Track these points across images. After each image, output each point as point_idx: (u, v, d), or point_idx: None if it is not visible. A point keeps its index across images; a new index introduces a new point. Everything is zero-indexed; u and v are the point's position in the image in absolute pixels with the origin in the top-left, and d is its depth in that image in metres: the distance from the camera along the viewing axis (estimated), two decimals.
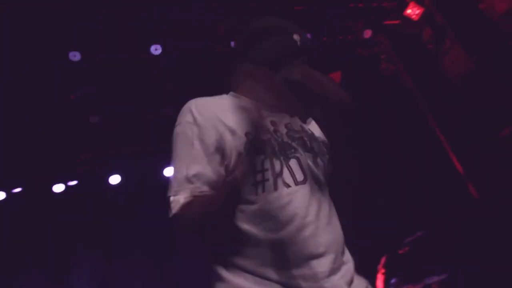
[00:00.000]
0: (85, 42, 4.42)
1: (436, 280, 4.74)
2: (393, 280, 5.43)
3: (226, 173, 1.26)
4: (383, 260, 5.80)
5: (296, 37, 1.41)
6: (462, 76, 5.11)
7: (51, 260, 5.77)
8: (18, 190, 5.68)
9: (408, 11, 5.32)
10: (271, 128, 1.34)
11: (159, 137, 2.98)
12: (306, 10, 5.03)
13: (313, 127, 1.48)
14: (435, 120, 5.55)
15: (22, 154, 5.18)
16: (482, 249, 4.41)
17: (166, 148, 1.37)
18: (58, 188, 5.79)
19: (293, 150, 1.32)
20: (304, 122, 1.46)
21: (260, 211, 1.23)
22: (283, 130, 1.36)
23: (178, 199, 1.21)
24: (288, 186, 1.27)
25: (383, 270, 5.75)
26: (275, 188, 1.25)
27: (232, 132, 1.28)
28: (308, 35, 5.08)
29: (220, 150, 1.27)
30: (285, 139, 1.33)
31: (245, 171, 1.21)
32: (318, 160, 1.38)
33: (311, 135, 1.43)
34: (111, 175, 5.94)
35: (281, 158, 1.30)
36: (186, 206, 1.20)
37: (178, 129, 1.32)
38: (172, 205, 1.23)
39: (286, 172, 1.29)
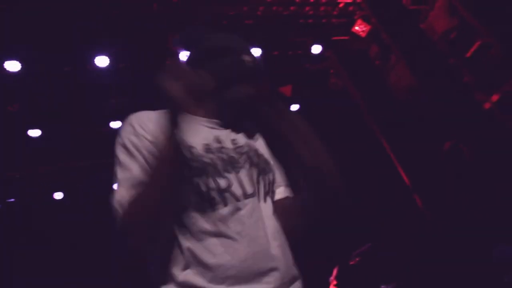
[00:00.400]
0: (24, 51, 4.18)
1: None
2: None
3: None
4: (335, 272, 5.88)
5: (245, 57, 1.44)
6: (407, 90, 5.33)
7: None
8: None
9: (356, 27, 5.51)
10: (216, 145, 1.35)
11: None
12: (256, 25, 5.07)
13: (259, 144, 1.50)
14: (381, 132, 5.74)
15: None
16: (429, 258, 4.56)
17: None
18: None
19: (240, 165, 1.34)
20: (251, 138, 1.47)
21: (208, 227, 1.24)
22: (229, 146, 1.38)
23: (120, 201, 1.21)
24: (237, 200, 1.28)
25: (335, 282, 5.82)
26: (224, 204, 1.26)
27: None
28: (259, 50, 5.22)
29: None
30: (232, 153, 1.36)
31: (189, 191, 1.24)
32: (263, 175, 1.40)
33: (256, 151, 1.44)
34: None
35: (226, 174, 1.32)
36: (130, 205, 1.19)
37: (119, 141, 1.34)
38: (116, 210, 1.23)
39: (234, 186, 1.30)
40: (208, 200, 1.26)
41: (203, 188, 1.26)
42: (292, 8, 5.24)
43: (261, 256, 1.24)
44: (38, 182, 5.66)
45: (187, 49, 4.72)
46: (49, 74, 4.43)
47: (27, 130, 4.94)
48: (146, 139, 1.29)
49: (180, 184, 1.24)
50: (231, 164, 1.33)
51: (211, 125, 1.39)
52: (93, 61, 4.41)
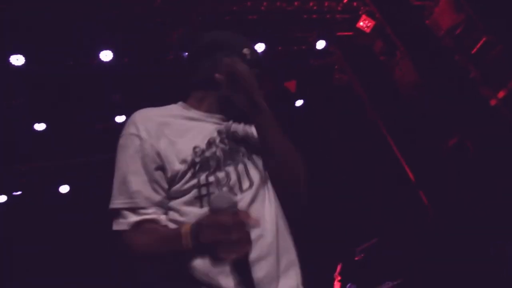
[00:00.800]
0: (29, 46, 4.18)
1: (391, 285, 4.84)
2: (348, 285, 5.51)
3: (169, 185, 1.28)
4: (339, 268, 5.89)
5: (245, 51, 1.46)
6: (412, 86, 5.30)
7: None
8: None
9: (361, 23, 5.48)
10: (218, 138, 1.37)
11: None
12: (260, 20, 5.04)
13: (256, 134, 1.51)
14: (386, 129, 5.72)
15: None
16: (434, 254, 4.55)
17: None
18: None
19: (239, 158, 1.36)
20: (250, 129, 1.48)
21: None
22: (229, 139, 1.40)
23: (125, 218, 1.23)
24: (234, 194, 1.29)
25: (339, 278, 5.83)
26: None
27: (173, 143, 1.31)
28: (263, 45, 5.20)
29: (160, 167, 1.28)
30: (231, 146, 1.38)
31: (189, 186, 1.26)
32: (262, 166, 1.40)
33: (255, 143, 1.45)
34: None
35: (227, 168, 1.32)
36: (134, 227, 1.23)
37: (121, 140, 1.34)
38: (115, 219, 1.26)
39: (233, 180, 1.32)
40: (207, 194, 1.27)
41: (203, 182, 1.27)
42: (296, 3, 5.21)
43: (255, 245, 1.21)
44: (41, 176, 5.68)
45: (185, 50, 4.73)
46: (55, 67, 4.43)
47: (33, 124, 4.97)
48: (147, 141, 1.29)
49: (185, 183, 1.26)
50: (231, 157, 1.35)
51: (213, 120, 1.41)
52: (98, 55, 4.41)
